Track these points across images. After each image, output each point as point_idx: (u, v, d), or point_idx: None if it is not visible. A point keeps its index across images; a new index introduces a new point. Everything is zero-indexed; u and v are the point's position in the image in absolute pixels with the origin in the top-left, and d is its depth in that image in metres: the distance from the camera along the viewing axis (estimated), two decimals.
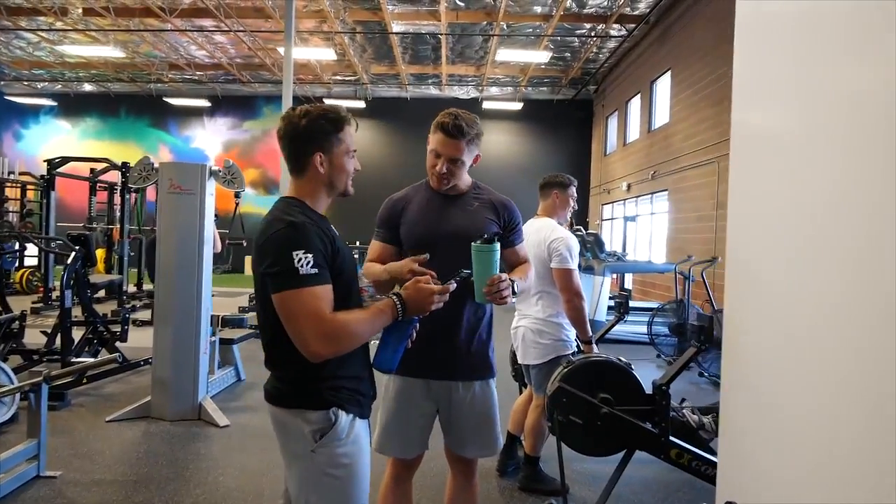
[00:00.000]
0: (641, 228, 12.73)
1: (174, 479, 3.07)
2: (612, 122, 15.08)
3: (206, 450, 3.52)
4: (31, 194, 11.80)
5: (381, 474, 2.00)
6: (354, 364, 1.50)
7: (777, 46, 1.35)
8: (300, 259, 1.32)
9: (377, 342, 1.54)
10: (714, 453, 2.81)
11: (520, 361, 3.03)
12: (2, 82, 16.95)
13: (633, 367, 2.54)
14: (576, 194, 3.09)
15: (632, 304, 7.94)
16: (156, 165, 4.03)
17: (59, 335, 4.72)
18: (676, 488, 3.14)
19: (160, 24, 11.88)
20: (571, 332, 2.91)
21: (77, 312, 5.14)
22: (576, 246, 2.84)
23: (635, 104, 13.13)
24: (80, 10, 11.32)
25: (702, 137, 9.12)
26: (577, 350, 2.93)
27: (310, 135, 1.45)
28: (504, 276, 1.72)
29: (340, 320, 1.36)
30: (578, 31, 12.08)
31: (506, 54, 12.77)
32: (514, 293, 1.79)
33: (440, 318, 1.82)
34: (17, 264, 10.47)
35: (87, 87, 17.28)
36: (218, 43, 13.33)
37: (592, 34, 12.12)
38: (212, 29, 12.15)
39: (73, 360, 4.59)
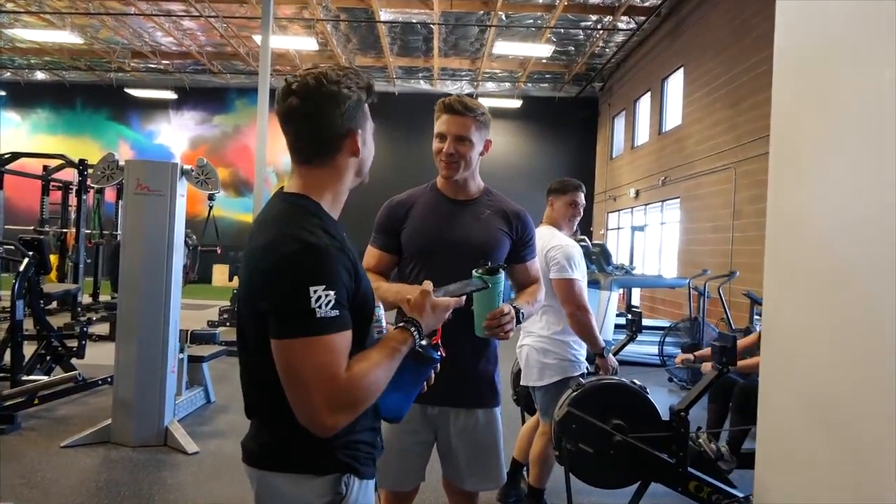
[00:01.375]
0: (650, 239, 12.83)
1: None
2: (619, 123, 15.24)
3: (173, 479, 3.49)
4: None
5: None
6: (367, 414, 1.24)
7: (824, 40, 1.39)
8: (319, 298, 1.09)
9: None
10: (734, 486, 2.86)
11: (523, 383, 3.05)
12: None
13: (647, 390, 2.58)
14: (583, 201, 3.12)
15: (644, 322, 7.98)
16: (121, 163, 4.02)
17: (8, 350, 4.67)
18: None
19: (123, 8, 11.88)
20: (581, 351, 2.93)
21: (29, 325, 5.10)
22: (578, 254, 2.86)
23: (644, 104, 13.29)
24: None
25: (717, 141, 9.25)
26: (587, 371, 2.95)
27: (347, 106, 1.20)
28: (507, 307, 1.70)
29: (357, 380, 1.13)
30: (583, 23, 12.24)
31: (504, 47, 12.90)
32: (519, 322, 1.79)
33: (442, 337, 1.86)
34: None
35: (40, 76, 17.18)
36: (187, 29, 13.34)
37: (598, 27, 12.29)
38: (181, 14, 12.17)
39: (25, 378, 4.53)
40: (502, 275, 1.68)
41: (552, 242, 2.87)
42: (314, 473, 1.20)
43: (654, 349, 6.95)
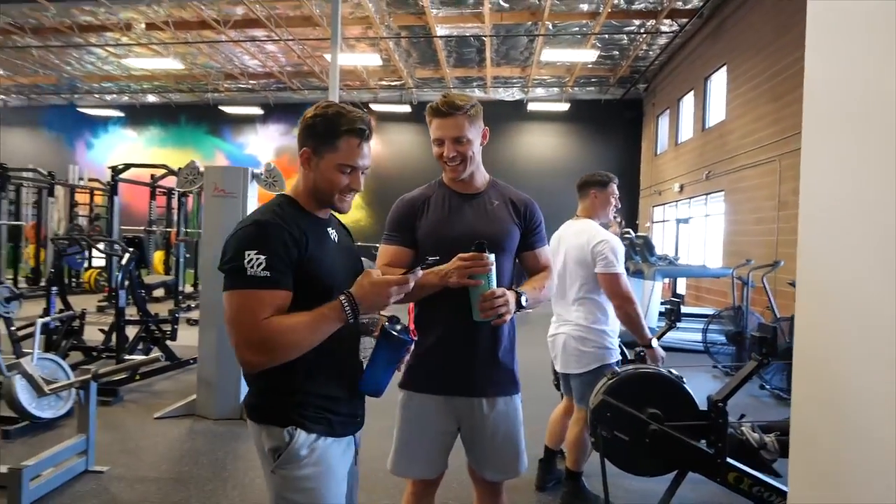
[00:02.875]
0: (695, 231, 12.18)
1: (213, 479, 3.07)
2: (664, 122, 14.53)
3: (245, 450, 3.51)
4: (98, 199, 12.40)
5: (385, 493, 1.88)
6: (328, 382, 1.37)
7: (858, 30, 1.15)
8: (251, 259, 1.23)
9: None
10: (778, 476, 2.57)
11: (559, 370, 2.86)
12: (75, 95, 17.94)
13: (684, 380, 2.34)
14: (617, 192, 2.89)
15: (685, 310, 7.56)
16: (201, 169, 4.07)
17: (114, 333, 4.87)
18: None
19: (215, 36, 12.27)
20: (615, 340, 2.72)
21: (134, 311, 5.30)
22: (621, 248, 2.65)
23: (688, 102, 12.60)
24: (143, 26, 11.82)
25: (761, 135, 8.62)
26: (621, 359, 2.74)
27: (306, 128, 1.39)
28: (500, 290, 1.56)
29: (273, 327, 1.23)
30: (627, 28, 11.68)
31: (551, 54, 12.51)
32: (521, 307, 1.63)
33: (459, 328, 1.70)
34: (85, 265, 11.00)
35: (151, 98, 18.08)
36: (269, 52, 13.66)
37: (642, 31, 11.71)
38: (263, 39, 12.45)
39: (126, 357, 4.71)
40: (491, 255, 1.54)
41: (598, 237, 2.66)
42: (270, 423, 1.33)
43: (698, 336, 6.57)
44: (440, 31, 11.75)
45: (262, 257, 1.24)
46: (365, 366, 1.42)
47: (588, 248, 2.65)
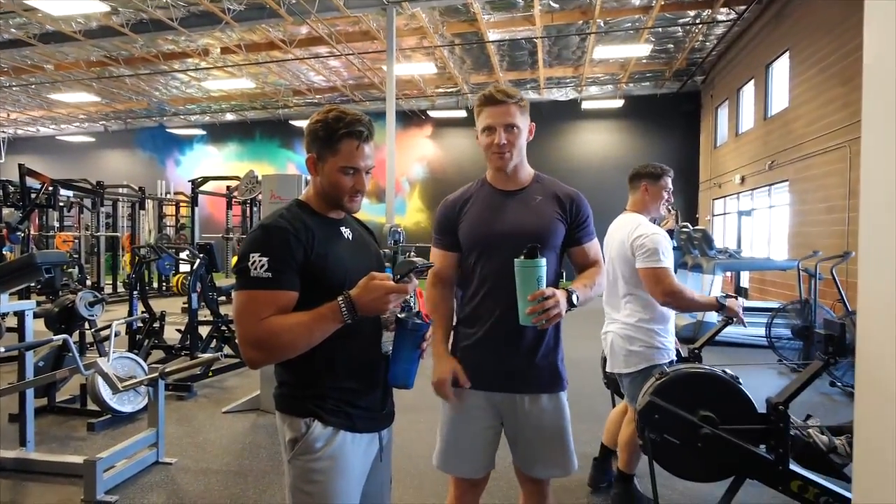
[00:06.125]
0: (758, 223, 11.35)
1: (270, 472, 3.08)
2: (722, 113, 13.66)
3: None
4: (184, 210, 13.11)
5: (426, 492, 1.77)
6: (348, 375, 1.35)
7: None
8: (255, 262, 1.24)
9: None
10: (849, 481, 2.26)
11: (608, 370, 2.66)
12: (164, 118, 19.11)
13: (740, 380, 2.09)
14: (671, 186, 2.64)
15: (749, 303, 7.03)
16: (259, 178, 4.14)
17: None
18: None
19: (283, 56, 12.68)
20: (667, 339, 2.48)
21: (208, 313, 5.50)
22: (666, 241, 2.39)
23: (748, 91, 11.76)
24: (218, 50, 12.40)
25: (829, 121, 7.89)
26: (675, 359, 2.50)
27: (309, 134, 1.37)
28: (550, 290, 1.43)
29: (270, 327, 1.23)
30: (681, 20, 11.04)
31: (604, 51, 12.03)
32: (572, 306, 1.49)
33: (502, 325, 1.61)
34: (173, 271, 11.66)
35: (229, 117, 18.95)
36: (332, 67, 13.96)
37: (697, 21, 11.03)
38: (326, 55, 12.74)
39: (199, 355, 4.87)
40: (543, 259, 1.42)
41: (639, 231, 2.42)
42: (291, 414, 1.33)
43: (762, 331, 6.06)
44: (492, 35, 11.57)
45: (265, 259, 1.24)
46: (390, 360, 1.39)
47: (628, 243, 2.43)
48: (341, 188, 1.36)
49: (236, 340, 1.29)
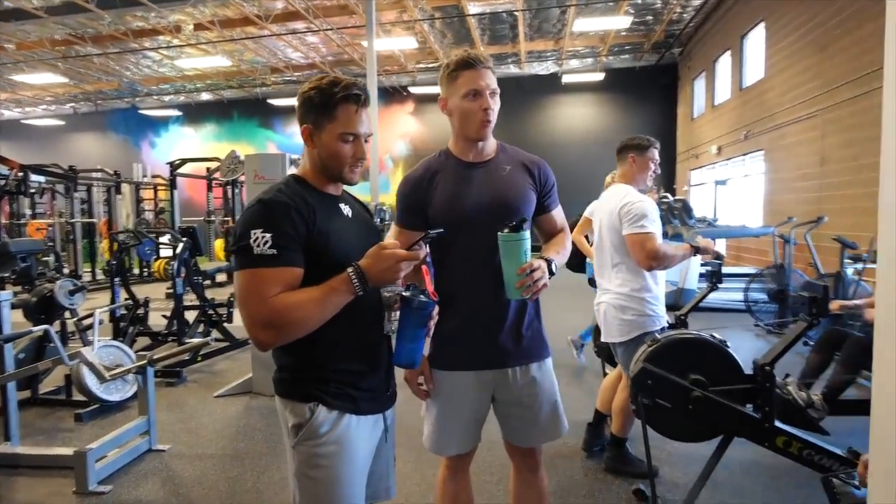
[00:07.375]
0: (734, 192, 11.51)
1: (266, 454, 3.07)
2: (699, 85, 13.71)
3: None
4: (162, 194, 12.78)
5: (414, 471, 1.78)
6: (351, 356, 1.30)
7: None
8: (257, 238, 1.16)
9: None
10: (826, 434, 2.35)
11: (603, 339, 2.69)
12: (136, 98, 18.50)
13: (728, 344, 2.13)
14: (657, 157, 2.64)
15: (725, 270, 7.17)
16: (241, 158, 4.03)
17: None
18: (782, 473, 2.68)
19: (258, 31, 12.28)
20: (658, 307, 2.51)
21: (194, 297, 5.41)
22: (652, 208, 2.41)
23: (724, 63, 11.80)
24: (190, 27, 11.95)
25: (802, 90, 7.96)
26: (666, 326, 2.53)
27: (303, 103, 1.29)
28: (536, 261, 1.41)
29: (281, 304, 1.16)
30: None
31: (584, 24, 11.90)
32: (552, 273, 1.48)
33: (487, 301, 1.58)
34: (155, 256, 11.42)
35: (205, 96, 18.44)
36: (310, 43, 13.60)
37: None
38: (303, 30, 12.38)
39: (186, 340, 4.80)
40: (527, 231, 1.40)
41: (625, 199, 2.44)
42: (293, 399, 1.28)
43: (740, 295, 6.23)
44: (472, 8, 11.36)
45: (268, 235, 1.17)
46: (394, 339, 1.34)
47: (616, 212, 2.44)
48: (341, 157, 1.28)
49: (244, 324, 1.20)
